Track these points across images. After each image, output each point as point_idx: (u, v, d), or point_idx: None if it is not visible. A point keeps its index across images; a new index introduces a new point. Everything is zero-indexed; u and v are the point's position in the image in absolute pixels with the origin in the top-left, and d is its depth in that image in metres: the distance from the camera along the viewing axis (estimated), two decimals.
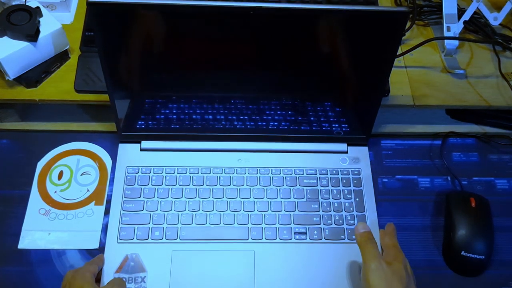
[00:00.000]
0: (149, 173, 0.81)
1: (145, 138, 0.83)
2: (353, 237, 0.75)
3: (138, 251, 0.75)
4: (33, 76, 0.81)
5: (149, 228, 0.76)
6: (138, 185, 0.80)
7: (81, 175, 0.83)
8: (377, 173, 0.85)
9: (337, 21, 0.69)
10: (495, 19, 0.90)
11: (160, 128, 0.82)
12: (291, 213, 0.79)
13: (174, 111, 0.80)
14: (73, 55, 0.85)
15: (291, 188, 0.81)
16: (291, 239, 0.77)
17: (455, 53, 0.90)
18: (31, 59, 0.80)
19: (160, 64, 0.73)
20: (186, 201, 0.79)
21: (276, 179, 0.81)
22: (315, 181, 0.82)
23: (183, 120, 0.81)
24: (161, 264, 0.74)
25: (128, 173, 0.81)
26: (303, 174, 0.82)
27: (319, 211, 0.79)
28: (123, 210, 0.78)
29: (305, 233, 0.77)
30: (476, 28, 0.92)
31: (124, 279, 0.72)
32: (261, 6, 0.65)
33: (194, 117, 0.80)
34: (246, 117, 0.81)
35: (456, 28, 0.89)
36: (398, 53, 0.83)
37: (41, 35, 0.79)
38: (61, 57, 0.84)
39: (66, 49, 0.84)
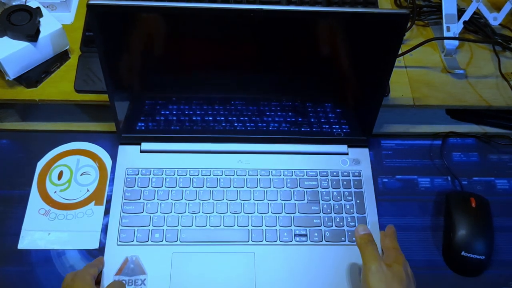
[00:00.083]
0: (149, 175, 0.81)
1: (145, 140, 0.83)
2: (354, 239, 0.75)
3: (138, 254, 0.75)
4: (33, 76, 0.81)
5: (149, 230, 0.76)
6: (138, 187, 0.80)
7: (81, 175, 0.83)
8: (377, 173, 0.85)
9: (337, 23, 0.69)
10: (494, 19, 0.90)
11: (160, 130, 0.82)
12: (292, 215, 0.79)
13: (174, 112, 0.80)
14: (73, 55, 0.85)
15: (292, 190, 0.81)
16: (291, 241, 0.77)
17: (455, 53, 0.90)
18: (31, 59, 0.80)
19: (160, 65, 0.73)
20: (186, 203, 0.79)
21: (277, 181, 0.81)
22: (316, 182, 0.81)
23: (183, 121, 0.81)
24: (161, 267, 0.74)
25: (128, 175, 0.81)
26: (303, 175, 0.82)
27: (319, 213, 0.79)
28: (123, 212, 0.78)
29: (306, 235, 0.77)
30: (476, 28, 0.92)
31: (124, 282, 0.72)
32: (262, 9, 0.65)
33: (194, 118, 0.80)
34: (246, 119, 0.81)
35: (456, 28, 0.89)
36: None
37: (41, 35, 0.79)
38: (61, 57, 0.84)
39: (66, 49, 0.84)
